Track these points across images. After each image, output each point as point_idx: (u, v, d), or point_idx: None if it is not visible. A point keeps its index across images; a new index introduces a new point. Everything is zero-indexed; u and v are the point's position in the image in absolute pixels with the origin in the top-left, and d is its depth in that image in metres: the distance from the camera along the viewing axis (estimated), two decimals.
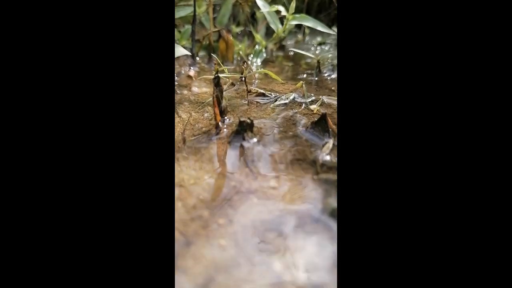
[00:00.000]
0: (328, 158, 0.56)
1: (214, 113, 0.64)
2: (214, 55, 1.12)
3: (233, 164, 0.56)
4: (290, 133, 0.63)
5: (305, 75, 1.06)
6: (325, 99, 0.81)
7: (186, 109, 0.76)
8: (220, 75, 0.63)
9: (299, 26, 1.58)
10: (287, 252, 0.39)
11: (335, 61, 1.16)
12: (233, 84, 0.94)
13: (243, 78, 0.80)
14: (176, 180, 0.51)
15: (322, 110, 0.73)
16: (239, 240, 0.41)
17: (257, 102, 0.81)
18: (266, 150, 0.60)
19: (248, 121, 0.60)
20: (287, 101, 0.80)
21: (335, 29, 1.35)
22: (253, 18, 1.72)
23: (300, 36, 1.60)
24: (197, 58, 1.18)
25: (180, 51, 0.85)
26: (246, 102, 0.80)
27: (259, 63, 1.19)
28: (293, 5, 1.13)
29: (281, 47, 1.44)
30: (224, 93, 0.63)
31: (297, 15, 1.15)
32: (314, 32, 1.72)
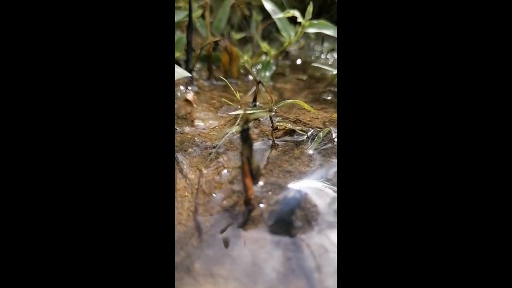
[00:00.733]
0: None
1: (244, 185, 0.42)
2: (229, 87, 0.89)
3: None
4: None
5: (329, 97, 0.85)
6: None
7: (192, 161, 0.54)
8: (247, 111, 0.41)
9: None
10: None
11: None
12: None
13: (269, 117, 0.58)
14: None
15: None
16: None
17: (285, 143, 0.59)
18: None
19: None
20: (326, 142, 0.59)
21: None
22: (245, 20, 1.49)
23: (302, 41, 1.39)
24: (194, 73, 0.96)
25: (178, 72, 0.62)
26: (271, 143, 0.58)
27: (268, 75, 0.98)
28: (310, 10, 0.92)
29: (285, 54, 1.22)
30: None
31: (314, 21, 0.93)
32: (318, 34, 1.51)
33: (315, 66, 0.88)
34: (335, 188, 0.46)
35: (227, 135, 0.58)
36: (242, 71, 1.02)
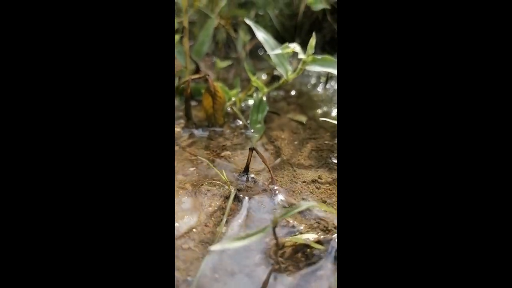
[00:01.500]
0: None
1: None
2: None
3: None
4: None
5: None
6: None
7: None
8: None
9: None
10: None
11: None
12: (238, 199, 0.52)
13: (272, 230, 0.38)
14: None
15: None
16: None
17: (295, 267, 0.40)
18: None
19: None
20: None
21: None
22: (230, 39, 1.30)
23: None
24: None
25: None
26: (275, 267, 0.39)
27: (260, 119, 0.78)
28: (312, 43, 0.72)
29: (274, 78, 1.02)
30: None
31: (318, 57, 0.74)
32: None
33: (323, 120, 0.69)
34: None
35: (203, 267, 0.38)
36: (229, 109, 0.82)
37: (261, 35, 0.78)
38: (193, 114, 0.77)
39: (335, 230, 0.44)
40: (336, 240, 0.42)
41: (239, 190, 0.55)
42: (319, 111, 0.88)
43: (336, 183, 0.57)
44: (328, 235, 0.43)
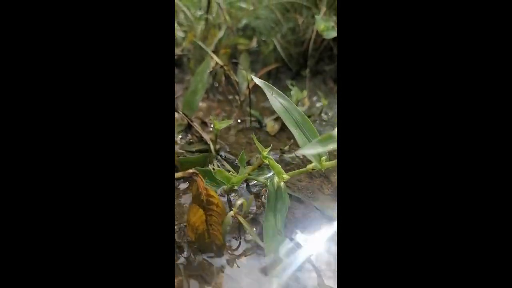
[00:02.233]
0: None
1: None
2: None
3: None
4: None
5: None
6: None
7: None
8: None
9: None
10: None
11: None
12: None
13: None
14: None
15: None
16: None
17: None
18: None
19: None
20: None
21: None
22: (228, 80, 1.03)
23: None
24: None
25: None
26: None
27: (280, 228, 0.50)
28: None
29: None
30: None
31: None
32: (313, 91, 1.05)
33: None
34: None
35: None
36: (232, 218, 0.54)
37: (277, 103, 0.50)
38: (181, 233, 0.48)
39: None
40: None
41: None
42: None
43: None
44: None
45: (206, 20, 1.14)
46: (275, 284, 0.41)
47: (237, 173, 0.58)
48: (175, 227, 0.49)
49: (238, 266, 0.44)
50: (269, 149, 0.53)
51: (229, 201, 0.57)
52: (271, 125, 0.83)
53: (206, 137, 0.66)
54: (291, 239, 0.50)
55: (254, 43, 1.37)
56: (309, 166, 0.52)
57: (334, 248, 0.48)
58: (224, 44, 1.22)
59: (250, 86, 0.81)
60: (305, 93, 0.92)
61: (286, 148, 0.73)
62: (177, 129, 0.74)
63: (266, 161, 0.53)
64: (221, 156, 0.68)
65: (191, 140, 0.73)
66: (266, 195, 0.53)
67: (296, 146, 0.72)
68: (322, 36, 0.98)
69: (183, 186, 0.60)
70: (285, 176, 0.53)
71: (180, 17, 1.32)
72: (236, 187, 0.58)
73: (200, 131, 0.68)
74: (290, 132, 0.52)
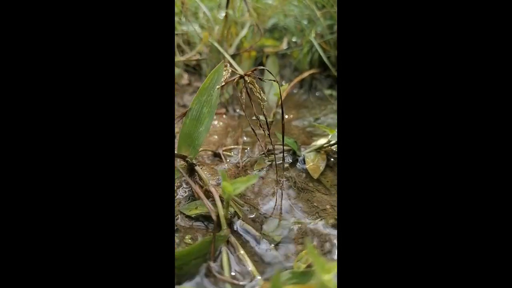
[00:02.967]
0: None
1: None
2: None
3: None
4: None
5: None
6: None
7: None
8: None
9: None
10: None
11: None
12: None
13: None
14: None
15: None
16: None
17: None
18: None
19: None
20: None
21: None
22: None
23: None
24: None
25: None
26: None
27: None
28: None
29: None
30: None
31: None
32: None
33: None
34: None
35: None
36: None
37: None
38: None
39: None
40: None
41: None
42: None
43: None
44: None
45: (226, 17, 0.89)
46: None
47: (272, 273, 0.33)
48: None
49: None
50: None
51: None
52: (312, 163, 0.56)
53: (210, 207, 0.41)
54: None
55: (284, 45, 1.10)
56: None
57: None
58: (246, 46, 0.97)
59: (282, 98, 0.55)
60: None
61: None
62: (175, 174, 0.49)
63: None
64: (236, 230, 0.42)
65: (191, 195, 0.47)
66: None
67: None
68: None
69: None
70: None
71: (197, 14, 1.08)
72: None
73: (202, 197, 0.42)
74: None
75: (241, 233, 0.42)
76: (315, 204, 0.47)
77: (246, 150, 0.62)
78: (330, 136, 0.58)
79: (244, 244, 0.40)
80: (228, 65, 0.50)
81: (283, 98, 0.62)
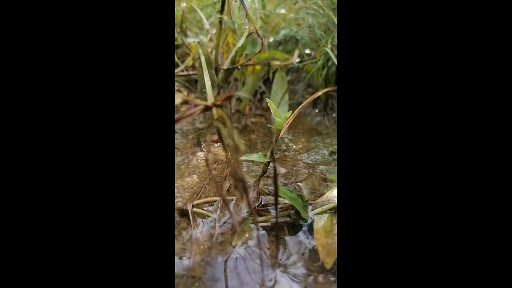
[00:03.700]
0: None
1: None
2: None
3: None
4: None
5: None
6: None
7: None
8: None
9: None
10: None
11: None
12: None
13: None
14: None
15: None
16: None
17: None
18: None
19: None
20: None
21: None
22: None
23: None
24: None
25: None
26: None
27: None
28: None
29: None
30: None
31: None
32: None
33: None
34: None
35: None
36: None
37: None
38: None
39: None
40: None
41: None
42: None
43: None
44: None
45: (220, 23, 0.70)
46: None
47: None
48: None
49: None
50: None
51: None
52: (325, 237, 0.36)
53: None
54: None
55: (295, 58, 0.89)
56: None
57: None
58: (247, 58, 0.77)
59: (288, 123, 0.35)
60: None
61: None
62: None
63: None
64: None
65: None
66: None
67: None
68: None
69: None
70: None
71: (191, 20, 0.90)
72: None
73: None
74: None
75: None
76: None
77: (230, 203, 0.42)
78: None
79: None
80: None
81: (285, 127, 0.43)
